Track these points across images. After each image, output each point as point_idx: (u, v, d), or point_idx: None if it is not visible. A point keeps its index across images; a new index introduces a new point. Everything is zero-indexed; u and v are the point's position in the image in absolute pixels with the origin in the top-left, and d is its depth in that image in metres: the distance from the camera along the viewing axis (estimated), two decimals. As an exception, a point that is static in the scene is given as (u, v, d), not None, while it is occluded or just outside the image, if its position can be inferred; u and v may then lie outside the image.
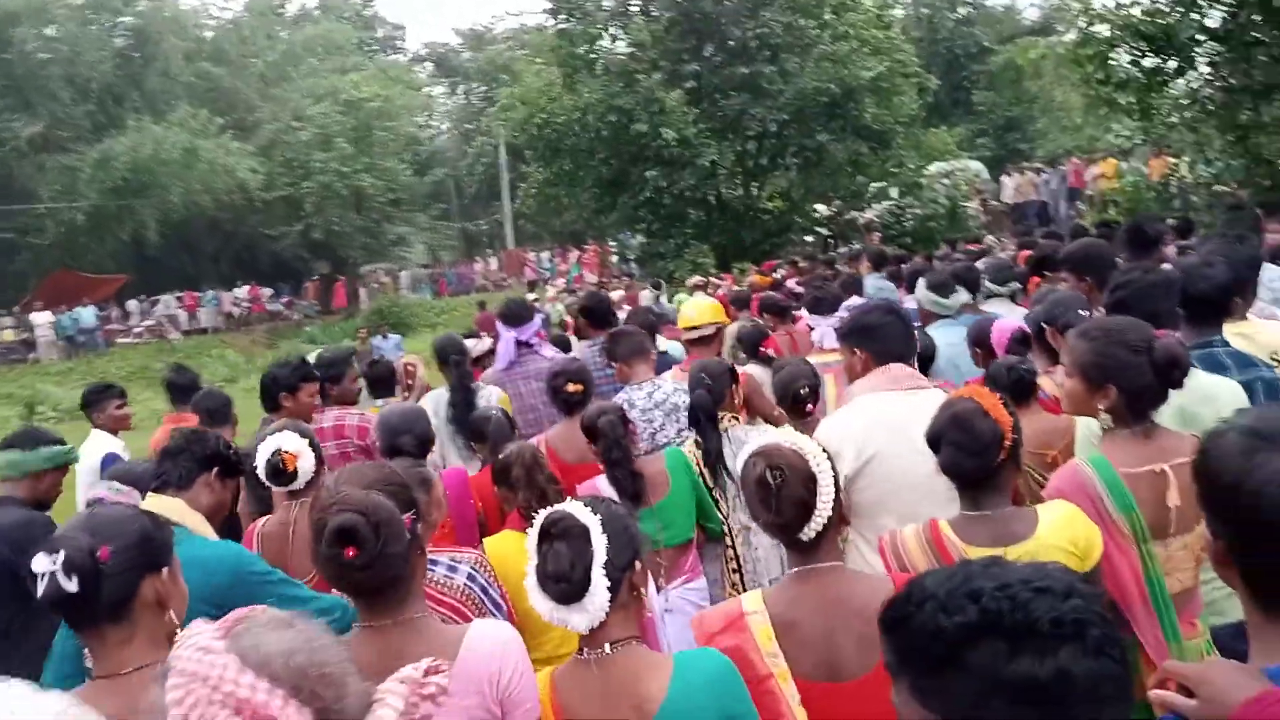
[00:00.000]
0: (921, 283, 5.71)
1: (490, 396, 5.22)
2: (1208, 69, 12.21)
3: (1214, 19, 11.49)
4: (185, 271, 37.00)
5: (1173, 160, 16.27)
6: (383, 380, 6.07)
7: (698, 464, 4.03)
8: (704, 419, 4.05)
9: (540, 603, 2.03)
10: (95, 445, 5.72)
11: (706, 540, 4.05)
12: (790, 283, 11.24)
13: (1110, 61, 11.92)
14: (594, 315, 6.22)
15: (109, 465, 5.01)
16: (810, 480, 2.19)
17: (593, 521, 2.04)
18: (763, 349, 5.73)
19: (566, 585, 1.99)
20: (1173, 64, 11.89)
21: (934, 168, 23.26)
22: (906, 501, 2.89)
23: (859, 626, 2.11)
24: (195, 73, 38.61)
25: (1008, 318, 4.75)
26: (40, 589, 1.81)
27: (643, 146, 21.43)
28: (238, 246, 40.12)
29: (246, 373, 27.63)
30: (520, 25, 45.77)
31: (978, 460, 2.50)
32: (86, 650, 1.96)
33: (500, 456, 3.62)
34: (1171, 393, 2.64)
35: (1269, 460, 1.40)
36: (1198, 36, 11.55)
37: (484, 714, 1.97)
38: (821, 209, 24.45)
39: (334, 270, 39.57)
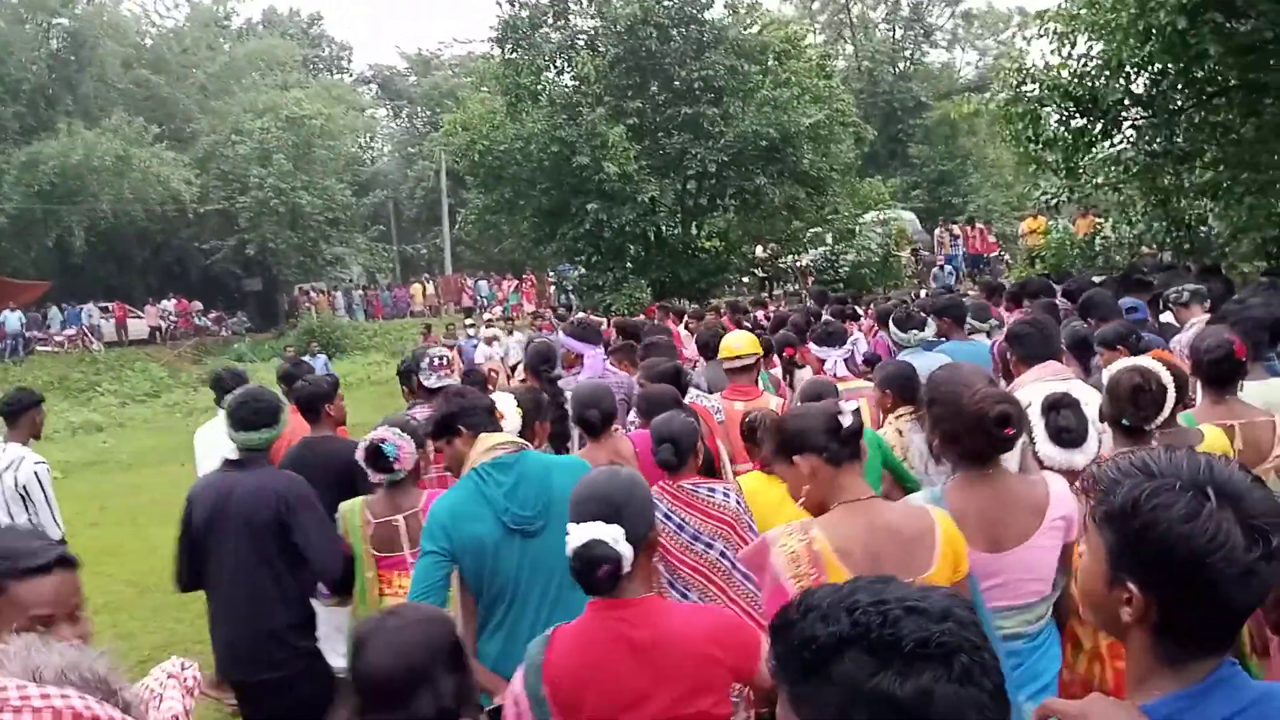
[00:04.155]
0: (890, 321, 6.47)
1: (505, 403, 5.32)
2: (1132, 133, 12.53)
3: (1139, 86, 11.81)
4: (112, 281, 36.12)
5: (1098, 220, 16.74)
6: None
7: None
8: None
9: (1051, 451, 3.16)
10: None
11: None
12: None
13: (1040, 120, 12.17)
14: (627, 333, 7.10)
15: None
16: (1163, 390, 3.28)
17: (1081, 392, 3.33)
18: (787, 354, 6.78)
19: (1076, 435, 3.16)
20: (1099, 126, 12.19)
21: (868, 216, 23.67)
22: None
23: None
24: (132, 79, 37.92)
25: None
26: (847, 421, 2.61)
27: (584, 179, 21.44)
28: (168, 259, 39.33)
29: (170, 387, 26.99)
30: (467, 53, 45.71)
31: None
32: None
33: (748, 418, 4.48)
34: (1255, 385, 3.98)
35: (1224, 519, 1.32)
36: (1124, 101, 11.88)
37: (1066, 534, 2.76)
38: (758, 251, 24.75)
39: (266, 288, 38.92)
